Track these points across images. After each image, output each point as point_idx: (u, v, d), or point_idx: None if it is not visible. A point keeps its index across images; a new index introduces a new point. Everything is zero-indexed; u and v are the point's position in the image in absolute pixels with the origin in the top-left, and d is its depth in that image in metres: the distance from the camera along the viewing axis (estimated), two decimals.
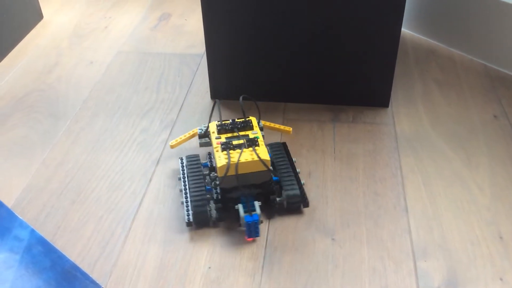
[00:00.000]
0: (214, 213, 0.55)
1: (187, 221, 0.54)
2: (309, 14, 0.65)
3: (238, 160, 0.53)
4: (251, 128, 0.58)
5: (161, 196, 0.59)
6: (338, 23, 0.65)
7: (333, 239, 0.53)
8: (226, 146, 0.55)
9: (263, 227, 0.55)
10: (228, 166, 0.52)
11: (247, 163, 0.53)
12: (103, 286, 0.46)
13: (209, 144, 0.62)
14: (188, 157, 0.61)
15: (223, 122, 0.59)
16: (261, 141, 0.56)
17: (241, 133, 0.57)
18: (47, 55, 0.87)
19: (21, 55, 0.87)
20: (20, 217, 0.44)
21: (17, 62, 0.85)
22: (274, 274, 0.50)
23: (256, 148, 0.55)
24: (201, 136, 0.62)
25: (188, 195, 0.56)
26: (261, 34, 0.67)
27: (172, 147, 0.62)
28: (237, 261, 0.52)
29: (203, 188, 0.56)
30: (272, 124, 0.65)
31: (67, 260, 0.41)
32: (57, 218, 0.57)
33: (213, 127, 0.59)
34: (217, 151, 0.55)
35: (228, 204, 0.55)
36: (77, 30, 0.94)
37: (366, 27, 0.65)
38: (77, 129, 0.70)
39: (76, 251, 0.53)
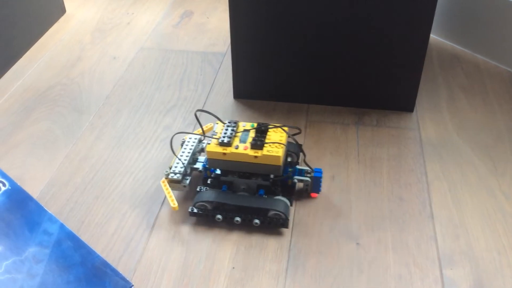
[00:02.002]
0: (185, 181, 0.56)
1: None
2: (337, 16, 0.64)
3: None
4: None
5: (184, 195, 0.59)
6: (367, 25, 0.65)
7: (357, 243, 0.53)
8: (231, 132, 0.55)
9: (287, 230, 0.54)
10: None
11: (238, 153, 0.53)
12: (133, 284, 0.46)
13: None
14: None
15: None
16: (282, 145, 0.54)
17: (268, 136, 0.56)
18: (70, 49, 0.87)
19: (44, 49, 0.87)
20: (50, 211, 0.44)
21: (40, 55, 0.86)
22: (298, 277, 0.50)
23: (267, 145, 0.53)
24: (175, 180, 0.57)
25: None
26: (287, 35, 0.67)
27: (175, 209, 0.55)
28: (260, 262, 0.51)
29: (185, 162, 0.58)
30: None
31: (97, 256, 0.41)
32: (81, 213, 0.57)
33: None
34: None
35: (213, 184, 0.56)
36: (100, 25, 0.94)
37: (395, 30, 0.64)
38: (100, 124, 0.70)
39: (100, 247, 0.53)
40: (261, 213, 0.54)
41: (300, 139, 0.67)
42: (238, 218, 0.54)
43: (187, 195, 0.59)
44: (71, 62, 0.84)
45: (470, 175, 0.61)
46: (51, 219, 0.44)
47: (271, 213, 0.53)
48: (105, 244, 0.53)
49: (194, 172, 0.61)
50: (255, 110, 0.72)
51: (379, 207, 0.57)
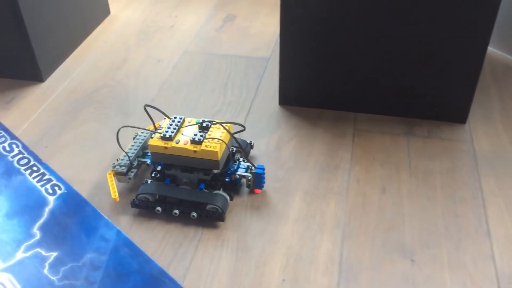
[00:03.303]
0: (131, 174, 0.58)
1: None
2: (390, 25, 0.63)
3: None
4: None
5: (231, 202, 0.59)
6: (421, 35, 0.63)
7: (412, 260, 0.51)
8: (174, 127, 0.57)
9: (336, 238, 0.53)
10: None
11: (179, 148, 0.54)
12: None
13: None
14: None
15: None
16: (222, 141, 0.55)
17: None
18: (115, 51, 0.88)
19: (90, 50, 0.88)
20: (106, 217, 0.44)
21: (86, 56, 0.87)
22: None
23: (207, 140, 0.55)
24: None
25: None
26: (337, 43, 0.66)
27: (116, 200, 0.56)
28: (311, 275, 0.50)
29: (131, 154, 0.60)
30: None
31: (155, 265, 0.40)
32: (129, 217, 0.57)
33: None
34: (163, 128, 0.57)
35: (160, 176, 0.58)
36: (144, 27, 0.95)
37: (452, 40, 0.62)
38: (147, 127, 0.70)
39: (149, 252, 0.52)
40: (200, 206, 0.55)
41: (348, 148, 0.66)
42: (176, 211, 0.55)
43: (135, 187, 0.60)
44: (116, 64, 0.84)
45: None
46: (108, 224, 0.44)
47: (209, 207, 0.55)
48: (154, 249, 0.53)
49: (144, 165, 0.63)
50: (301, 117, 0.71)
51: (434, 222, 0.55)
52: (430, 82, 0.67)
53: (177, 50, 0.88)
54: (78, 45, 0.89)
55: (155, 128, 0.58)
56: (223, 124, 0.57)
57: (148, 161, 0.60)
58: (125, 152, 0.58)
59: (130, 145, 0.61)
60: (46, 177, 0.50)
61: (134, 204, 0.55)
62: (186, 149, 0.55)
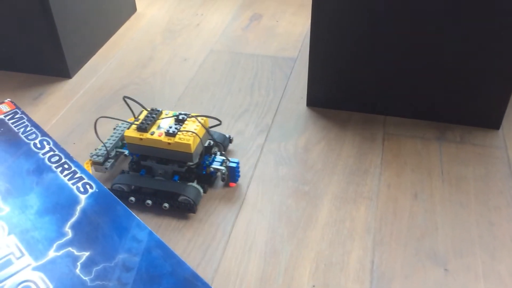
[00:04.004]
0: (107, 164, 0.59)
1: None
2: (424, 27, 0.61)
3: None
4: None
5: (259, 204, 0.58)
6: (456, 39, 0.61)
7: (445, 269, 0.50)
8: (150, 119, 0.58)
9: (367, 244, 0.52)
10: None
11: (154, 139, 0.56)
12: None
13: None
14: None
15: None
16: (196, 134, 0.56)
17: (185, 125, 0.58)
18: (141, 49, 0.88)
19: (116, 47, 0.88)
20: (138, 217, 0.44)
21: (112, 54, 0.87)
22: None
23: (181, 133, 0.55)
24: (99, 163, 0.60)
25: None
26: (369, 44, 0.65)
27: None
28: (342, 282, 0.49)
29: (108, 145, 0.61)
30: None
31: (187, 268, 0.40)
32: (157, 217, 0.56)
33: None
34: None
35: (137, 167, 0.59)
36: (170, 25, 0.95)
37: (487, 45, 0.61)
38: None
39: (177, 253, 0.52)
40: (173, 197, 0.56)
41: (378, 152, 0.64)
42: (149, 201, 0.56)
43: (112, 177, 0.61)
44: (142, 62, 0.84)
45: None
46: (140, 225, 0.43)
47: (181, 198, 0.55)
48: (182, 251, 0.52)
49: (122, 156, 0.63)
50: (329, 120, 0.70)
51: (468, 231, 0.54)
52: (464, 87, 0.65)
53: (203, 49, 0.87)
54: (105, 42, 0.90)
55: (135, 120, 0.59)
56: (198, 118, 0.57)
57: (126, 152, 0.61)
58: (103, 143, 0.60)
59: (109, 136, 0.63)
60: (77, 175, 0.50)
61: None
62: (160, 141, 0.56)
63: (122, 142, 0.62)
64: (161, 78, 0.80)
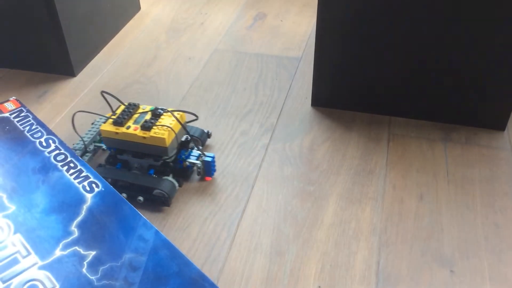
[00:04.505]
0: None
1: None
2: (430, 28, 0.61)
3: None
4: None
5: (264, 204, 0.58)
6: (461, 39, 0.61)
7: (451, 271, 0.50)
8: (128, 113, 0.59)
9: (372, 245, 0.52)
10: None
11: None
12: None
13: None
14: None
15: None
16: (171, 129, 0.57)
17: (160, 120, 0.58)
18: (145, 48, 0.88)
19: (120, 46, 0.88)
20: (144, 217, 0.44)
21: (116, 52, 0.87)
22: None
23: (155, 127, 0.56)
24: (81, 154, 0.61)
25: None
26: (374, 45, 0.64)
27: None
28: (348, 283, 0.49)
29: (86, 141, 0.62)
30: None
31: (194, 268, 0.40)
32: (162, 215, 0.56)
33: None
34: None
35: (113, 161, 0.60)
36: (174, 24, 0.94)
37: (492, 46, 0.60)
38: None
39: (183, 252, 0.52)
40: (148, 191, 0.56)
41: (383, 153, 0.64)
42: (124, 194, 0.56)
43: None
44: (147, 60, 0.84)
45: None
46: (146, 224, 0.43)
47: (156, 191, 0.56)
48: (187, 250, 0.52)
49: (100, 150, 0.64)
50: (334, 120, 0.70)
51: (473, 232, 0.54)
52: (469, 88, 0.65)
53: (207, 48, 0.87)
54: (109, 41, 0.89)
55: (112, 114, 0.60)
56: (174, 113, 0.58)
57: (104, 146, 0.61)
58: (80, 137, 0.60)
59: (87, 130, 0.63)
60: (83, 174, 0.49)
61: None
62: (135, 135, 0.57)
63: (100, 136, 0.63)
64: (166, 77, 0.80)
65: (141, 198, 0.56)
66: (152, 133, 0.56)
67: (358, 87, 0.69)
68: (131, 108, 0.59)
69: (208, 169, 0.60)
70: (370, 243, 0.53)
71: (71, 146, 0.60)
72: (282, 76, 0.80)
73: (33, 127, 0.57)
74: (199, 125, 0.70)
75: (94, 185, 0.48)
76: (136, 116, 0.59)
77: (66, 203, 0.46)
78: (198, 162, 0.59)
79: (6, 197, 0.48)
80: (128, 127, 0.57)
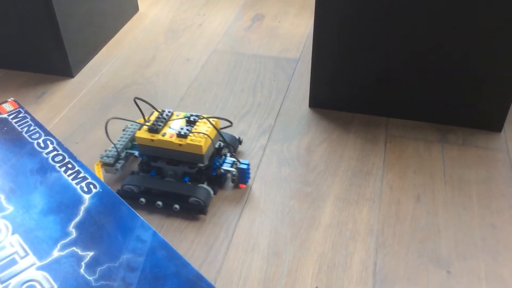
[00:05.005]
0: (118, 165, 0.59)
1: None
2: (427, 30, 0.61)
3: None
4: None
5: (262, 205, 0.58)
6: (458, 41, 0.61)
7: (448, 271, 0.50)
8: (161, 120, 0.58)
9: (369, 246, 0.52)
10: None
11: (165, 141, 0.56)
12: None
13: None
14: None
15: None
16: (207, 136, 0.56)
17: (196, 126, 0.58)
18: (144, 48, 0.88)
19: (119, 47, 0.88)
20: (142, 218, 0.44)
21: (115, 53, 0.87)
22: None
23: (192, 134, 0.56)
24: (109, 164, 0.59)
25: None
26: (371, 46, 0.65)
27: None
28: (345, 284, 0.49)
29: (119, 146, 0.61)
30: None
31: (192, 268, 0.40)
32: (160, 217, 0.57)
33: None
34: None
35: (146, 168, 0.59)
36: (173, 25, 0.95)
37: (489, 47, 0.61)
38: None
39: (180, 253, 0.52)
40: (183, 199, 0.56)
41: (380, 154, 0.64)
42: (159, 202, 0.56)
43: (122, 177, 0.61)
44: (145, 61, 0.84)
45: None
46: (144, 225, 0.43)
47: (192, 199, 0.55)
48: (185, 251, 0.52)
49: (132, 157, 0.63)
50: (331, 121, 0.70)
51: (470, 233, 0.54)
52: (466, 89, 0.65)
53: (206, 49, 0.87)
54: (107, 42, 0.90)
55: (144, 121, 0.59)
56: (210, 119, 0.57)
57: (136, 152, 0.61)
58: (113, 144, 0.59)
59: (119, 137, 0.62)
60: (81, 175, 0.50)
61: (119, 195, 0.56)
62: (171, 142, 0.56)
63: (132, 143, 0.62)
64: (164, 78, 0.80)
65: (177, 206, 0.55)
66: (188, 140, 0.55)
67: (356, 89, 0.70)
68: (166, 115, 0.59)
69: (243, 176, 0.59)
70: (367, 244, 0.53)
71: (103, 153, 0.59)
72: (280, 77, 0.80)
73: (31, 128, 0.57)
74: None
75: (92, 186, 0.48)
76: (170, 122, 0.58)
77: (64, 204, 0.46)
78: (233, 169, 0.59)
79: (4, 198, 0.48)
80: (164, 134, 0.56)
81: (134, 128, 0.64)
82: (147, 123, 0.57)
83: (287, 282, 0.50)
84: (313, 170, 0.62)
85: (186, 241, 0.54)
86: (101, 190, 0.48)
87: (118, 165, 0.59)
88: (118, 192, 0.57)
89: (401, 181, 0.60)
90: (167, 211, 0.57)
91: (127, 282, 0.39)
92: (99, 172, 0.57)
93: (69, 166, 0.51)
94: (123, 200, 0.47)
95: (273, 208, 0.57)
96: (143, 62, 0.84)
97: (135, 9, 0.98)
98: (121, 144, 0.61)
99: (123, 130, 0.64)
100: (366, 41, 0.65)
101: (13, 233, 0.45)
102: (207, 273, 0.50)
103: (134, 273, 0.39)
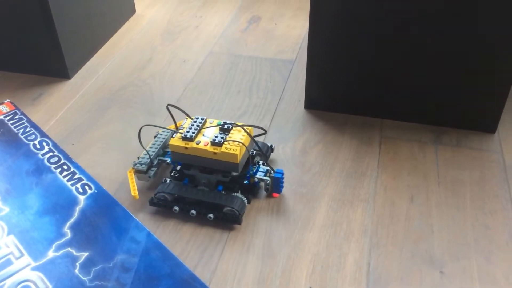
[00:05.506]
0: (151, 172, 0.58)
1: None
2: (421, 32, 0.62)
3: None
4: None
5: (257, 205, 0.58)
6: (452, 42, 0.62)
7: (441, 272, 0.50)
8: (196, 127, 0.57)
9: (363, 246, 0.53)
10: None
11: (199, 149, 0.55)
12: None
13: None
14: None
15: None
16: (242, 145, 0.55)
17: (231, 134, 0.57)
18: (140, 50, 0.88)
19: (116, 49, 0.89)
20: (136, 219, 0.44)
21: (111, 55, 0.87)
22: None
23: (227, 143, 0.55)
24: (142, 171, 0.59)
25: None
26: (366, 48, 0.65)
27: (136, 197, 0.56)
28: (339, 284, 0.50)
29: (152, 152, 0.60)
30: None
31: (186, 269, 0.40)
32: (156, 217, 0.57)
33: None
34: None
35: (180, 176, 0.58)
36: (169, 27, 0.95)
37: (483, 49, 0.61)
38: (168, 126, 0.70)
39: (175, 254, 0.52)
40: (217, 208, 0.55)
41: (374, 155, 0.65)
42: (193, 211, 0.55)
43: (154, 185, 0.60)
44: (142, 63, 0.85)
45: None
46: (138, 226, 0.44)
47: (226, 209, 0.55)
48: (180, 251, 0.53)
49: (164, 164, 0.63)
50: (327, 122, 0.71)
51: (463, 234, 0.54)
52: (460, 90, 0.66)
53: (202, 50, 0.88)
54: (104, 43, 0.90)
55: (177, 128, 0.58)
56: (244, 127, 0.56)
57: (168, 160, 0.60)
58: (146, 151, 0.59)
59: (151, 144, 0.61)
60: (76, 176, 0.50)
61: (152, 203, 0.56)
62: (206, 150, 0.55)
63: (164, 150, 0.61)
64: (160, 79, 0.81)
65: (211, 215, 0.55)
66: (223, 148, 0.54)
67: (351, 90, 0.70)
68: (199, 122, 0.58)
69: (276, 185, 0.58)
70: (361, 244, 0.53)
71: (136, 161, 0.58)
72: (275, 79, 0.81)
73: (27, 129, 0.57)
74: None
75: (87, 187, 0.48)
76: (204, 130, 0.57)
77: (59, 204, 0.47)
78: (267, 178, 0.58)
79: (0, 199, 0.48)
80: (198, 142, 0.55)
81: (165, 135, 0.63)
82: (180, 131, 0.57)
83: (281, 282, 0.50)
84: (308, 171, 0.63)
85: (181, 242, 0.54)
86: (96, 191, 0.48)
87: (151, 172, 0.58)
88: (152, 199, 0.56)
89: (395, 182, 0.61)
90: (208, 222, 0.56)
91: (121, 282, 0.39)
92: (132, 180, 0.57)
93: (65, 167, 0.51)
94: (117, 200, 0.47)
95: (268, 208, 0.58)
96: (139, 64, 0.84)
97: (132, 10, 0.99)
98: (153, 151, 0.60)
99: (155, 137, 0.63)
100: (361, 43, 0.65)
101: (8, 234, 0.45)
102: (202, 274, 0.50)
103: (128, 273, 0.39)
